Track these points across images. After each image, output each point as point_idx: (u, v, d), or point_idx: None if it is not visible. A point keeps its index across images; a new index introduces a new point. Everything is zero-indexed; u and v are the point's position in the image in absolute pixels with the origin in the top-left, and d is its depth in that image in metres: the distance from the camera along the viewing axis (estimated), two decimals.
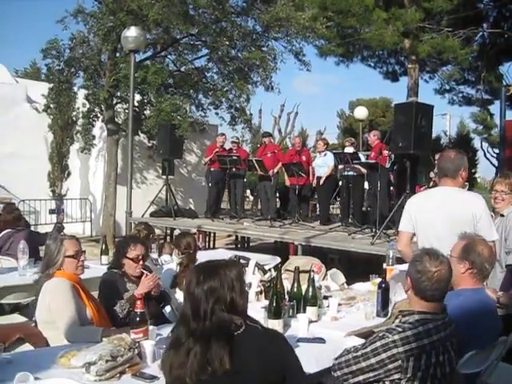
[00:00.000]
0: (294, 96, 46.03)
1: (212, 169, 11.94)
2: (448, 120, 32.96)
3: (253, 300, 4.50)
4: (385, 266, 4.92)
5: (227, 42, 12.65)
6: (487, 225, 3.64)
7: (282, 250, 10.77)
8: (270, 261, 6.67)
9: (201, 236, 10.43)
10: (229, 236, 14.09)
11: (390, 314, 3.37)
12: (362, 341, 3.14)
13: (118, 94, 13.31)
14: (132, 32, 10.51)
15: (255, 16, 13.46)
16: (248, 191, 18.79)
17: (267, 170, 11.07)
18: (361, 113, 21.37)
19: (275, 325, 3.14)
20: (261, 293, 4.57)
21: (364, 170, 10.38)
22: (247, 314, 2.25)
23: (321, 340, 3.16)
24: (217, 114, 14.79)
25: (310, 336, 3.22)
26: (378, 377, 2.38)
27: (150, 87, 12.13)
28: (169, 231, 12.29)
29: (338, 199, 12.26)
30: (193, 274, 2.21)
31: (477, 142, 31.01)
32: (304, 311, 3.54)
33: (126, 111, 13.48)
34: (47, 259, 3.46)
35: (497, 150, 28.12)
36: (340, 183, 11.76)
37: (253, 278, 4.61)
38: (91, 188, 15.86)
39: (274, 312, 3.21)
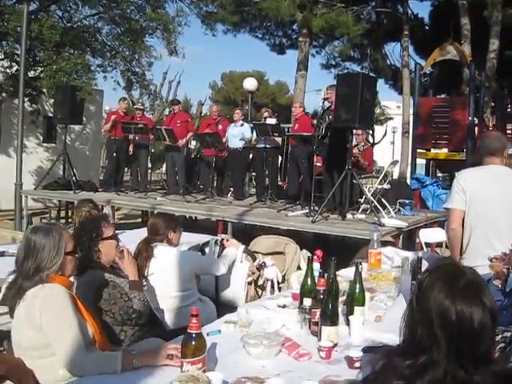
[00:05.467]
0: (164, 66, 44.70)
1: (112, 137, 10.92)
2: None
3: (242, 293, 3.88)
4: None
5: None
6: None
7: (192, 226, 10.10)
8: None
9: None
10: (117, 210, 13.08)
11: None
12: None
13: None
14: None
15: None
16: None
17: (176, 139, 10.28)
18: (251, 84, 20.95)
19: (332, 333, 2.55)
20: (250, 283, 3.97)
21: (279, 143, 10.03)
22: None
23: None
24: (105, 77, 13.66)
25: (371, 344, 2.54)
26: None
27: (44, 44, 10.66)
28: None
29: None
30: (458, 292, 1.41)
31: None
32: (351, 312, 2.81)
33: (8, 70, 11.97)
34: (38, 260, 2.39)
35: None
36: (251, 156, 11.26)
37: (241, 267, 3.98)
38: None
39: (331, 317, 2.56)
